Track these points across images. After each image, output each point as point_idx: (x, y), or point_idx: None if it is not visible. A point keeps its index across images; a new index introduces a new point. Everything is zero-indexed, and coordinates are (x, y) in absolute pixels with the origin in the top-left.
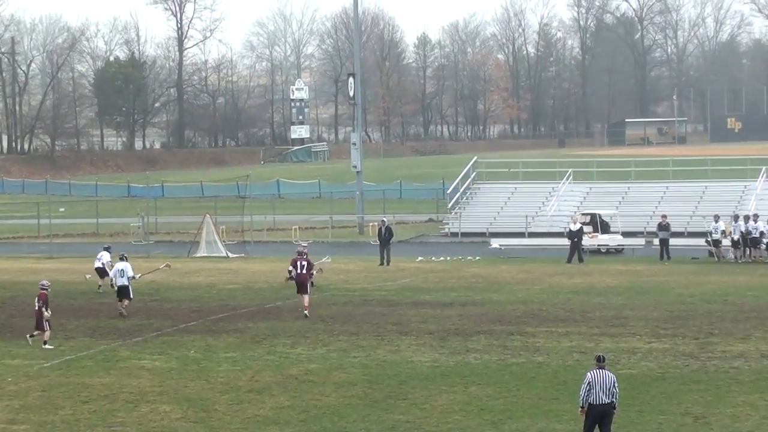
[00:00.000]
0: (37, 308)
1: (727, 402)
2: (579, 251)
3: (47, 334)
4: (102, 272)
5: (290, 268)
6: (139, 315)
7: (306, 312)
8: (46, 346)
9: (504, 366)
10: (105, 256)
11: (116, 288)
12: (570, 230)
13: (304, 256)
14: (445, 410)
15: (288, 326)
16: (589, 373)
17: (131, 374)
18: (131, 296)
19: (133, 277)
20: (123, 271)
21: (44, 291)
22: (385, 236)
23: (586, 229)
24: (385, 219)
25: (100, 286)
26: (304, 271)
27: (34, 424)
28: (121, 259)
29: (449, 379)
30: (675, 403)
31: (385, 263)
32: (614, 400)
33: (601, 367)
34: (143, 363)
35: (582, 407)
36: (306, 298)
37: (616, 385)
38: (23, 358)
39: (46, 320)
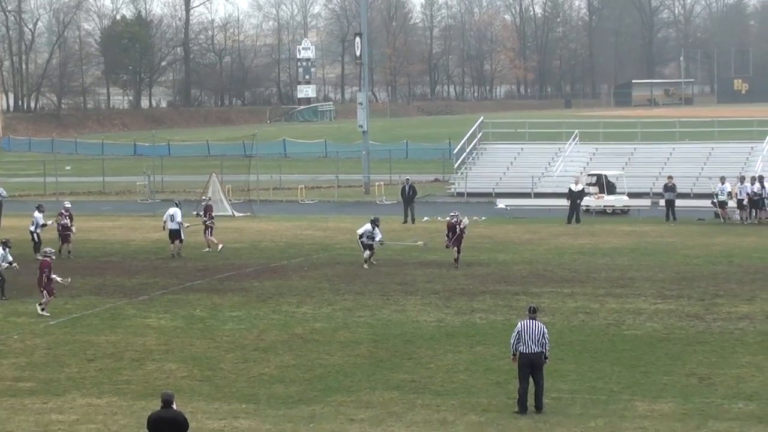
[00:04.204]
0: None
1: (731, 363)
2: (578, 212)
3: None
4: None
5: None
6: (145, 273)
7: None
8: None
9: (509, 326)
10: (177, 215)
11: (168, 231)
12: (570, 190)
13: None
14: (450, 370)
15: (293, 285)
16: (519, 323)
17: (137, 332)
18: (182, 238)
19: (181, 223)
20: (173, 216)
21: (47, 259)
22: (409, 194)
23: (592, 189)
24: (408, 177)
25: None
26: None
27: (39, 381)
28: (175, 206)
29: (454, 339)
30: (680, 363)
31: (409, 221)
32: (544, 350)
33: (533, 318)
34: (149, 321)
35: (513, 355)
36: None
37: (545, 335)
38: (29, 315)
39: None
